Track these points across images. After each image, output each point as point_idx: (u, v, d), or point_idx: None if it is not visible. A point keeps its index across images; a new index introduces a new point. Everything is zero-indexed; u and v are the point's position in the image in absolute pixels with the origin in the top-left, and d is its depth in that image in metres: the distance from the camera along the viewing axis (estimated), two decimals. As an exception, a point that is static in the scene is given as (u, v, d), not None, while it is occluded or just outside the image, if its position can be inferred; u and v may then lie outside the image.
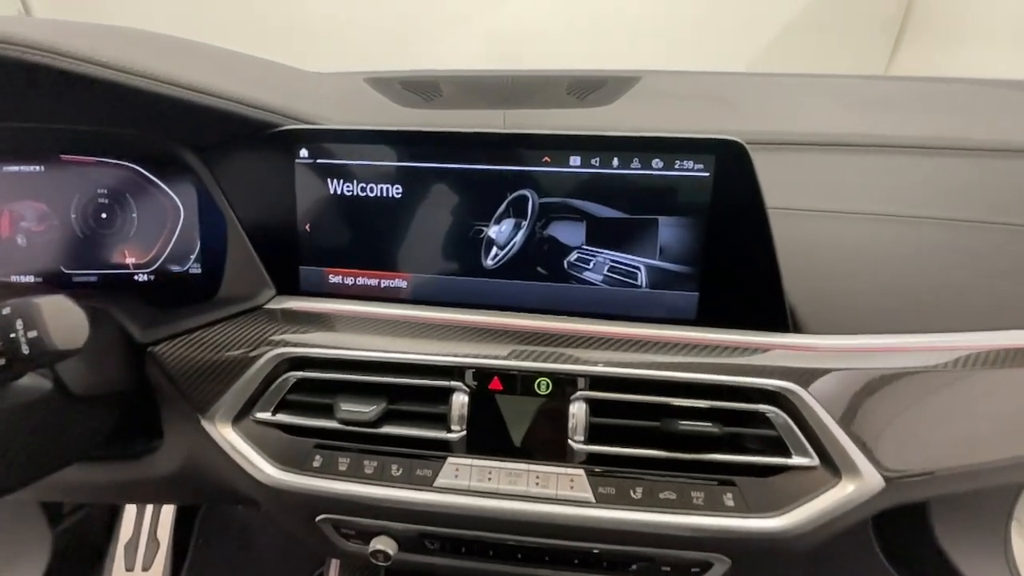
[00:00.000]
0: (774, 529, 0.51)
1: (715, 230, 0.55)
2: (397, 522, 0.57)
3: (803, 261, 0.57)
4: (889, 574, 1.39)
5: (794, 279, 0.56)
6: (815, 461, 0.52)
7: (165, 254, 0.68)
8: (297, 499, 0.57)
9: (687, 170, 0.55)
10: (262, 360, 0.58)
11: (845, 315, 0.56)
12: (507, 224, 0.59)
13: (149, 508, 1.43)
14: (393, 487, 0.55)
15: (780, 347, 0.55)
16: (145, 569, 1.38)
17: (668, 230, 0.56)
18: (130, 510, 1.43)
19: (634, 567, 0.56)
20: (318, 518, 0.59)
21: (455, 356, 0.56)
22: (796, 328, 0.56)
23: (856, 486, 0.51)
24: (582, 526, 0.53)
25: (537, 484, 0.54)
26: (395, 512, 0.55)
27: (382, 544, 0.58)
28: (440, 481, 0.55)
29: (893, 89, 0.87)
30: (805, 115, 0.75)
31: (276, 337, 0.59)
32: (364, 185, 0.60)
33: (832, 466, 0.52)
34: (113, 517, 1.42)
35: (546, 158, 0.57)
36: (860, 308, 0.56)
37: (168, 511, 1.43)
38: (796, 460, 0.53)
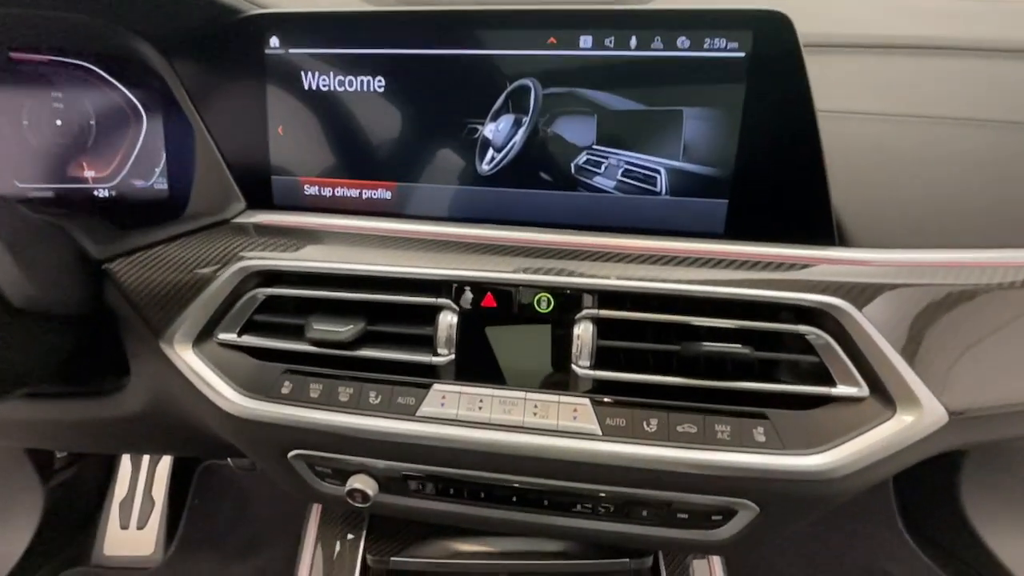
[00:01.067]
0: (813, 468, 0.43)
1: (751, 124, 0.47)
2: (376, 459, 0.50)
3: (852, 166, 0.49)
4: (910, 548, 1.32)
5: (842, 186, 0.47)
6: (864, 391, 0.44)
7: (127, 167, 0.61)
8: (266, 431, 0.51)
9: (718, 50, 0.46)
10: (226, 274, 0.51)
11: (899, 228, 0.47)
12: (505, 121, 0.51)
13: (144, 467, 1.40)
14: (370, 416, 0.48)
15: (825, 261, 0.46)
16: (140, 528, 1.35)
17: (694, 124, 0.48)
18: (124, 469, 1.40)
19: (644, 513, 0.49)
20: (290, 455, 0.53)
21: (443, 270, 0.48)
22: (843, 242, 0.48)
23: (914, 419, 0.43)
24: (586, 462, 0.45)
25: (535, 414, 0.47)
26: (373, 445, 0.49)
27: (360, 483, 0.51)
28: (424, 410, 0.48)
29: None
30: (857, 16, 0.66)
31: (243, 251, 0.52)
32: (342, 78, 0.53)
33: (885, 397, 0.44)
34: (107, 476, 1.39)
35: (551, 39, 0.48)
36: (916, 220, 0.48)
37: (163, 471, 1.40)
38: (841, 390, 0.44)
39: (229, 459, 1.29)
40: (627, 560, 0.58)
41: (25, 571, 1.22)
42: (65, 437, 0.83)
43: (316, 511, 0.63)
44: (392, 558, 0.58)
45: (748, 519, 0.48)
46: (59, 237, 0.55)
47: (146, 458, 1.41)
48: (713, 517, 0.48)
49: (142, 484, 1.39)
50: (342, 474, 0.53)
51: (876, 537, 1.31)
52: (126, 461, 1.40)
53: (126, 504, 1.36)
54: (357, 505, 0.52)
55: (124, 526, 1.35)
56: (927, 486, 1.31)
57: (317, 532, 0.61)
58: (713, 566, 0.58)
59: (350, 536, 0.61)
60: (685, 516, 0.49)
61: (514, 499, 0.51)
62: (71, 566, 1.28)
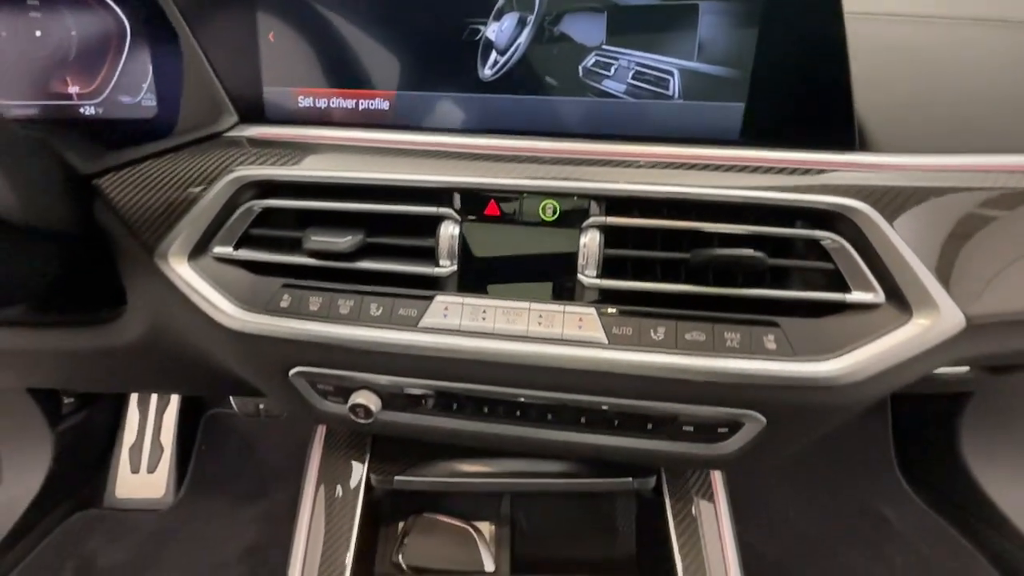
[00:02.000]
0: (824, 375, 0.42)
1: (771, 19, 0.44)
2: (378, 374, 0.50)
3: (874, 67, 0.46)
4: (906, 492, 1.34)
5: (863, 89, 0.45)
6: (880, 297, 0.43)
7: (113, 82, 0.59)
8: (266, 348, 0.50)
9: (739, -65, 0.43)
10: (219, 185, 0.49)
11: (922, 133, 0.45)
12: (509, 20, 0.48)
13: (151, 414, 1.42)
14: (372, 327, 0.47)
15: (845, 166, 0.44)
16: (150, 472, 1.38)
17: (711, 20, 0.45)
18: (132, 416, 1.42)
19: (650, 426, 0.49)
20: (292, 373, 0.52)
21: (444, 176, 0.46)
22: (863, 147, 0.45)
23: (931, 324, 0.41)
24: (591, 371, 0.44)
25: (539, 324, 0.45)
26: (375, 358, 0.48)
27: (363, 399, 0.51)
28: (426, 321, 0.46)
29: None
30: None
31: (236, 163, 0.50)
32: (335, -25, 0.49)
33: (901, 302, 0.43)
34: (115, 422, 1.41)
35: (558, -75, 0.45)
36: (940, 125, 0.45)
37: (170, 418, 1.42)
38: (856, 296, 0.43)
39: (232, 400, 1.30)
40: (630, 479, 0.58)
41: (38, 512, 1.25)
42: (64, 371, 0.83)
43: (319, 437, 0.63)
44: (396, 477, 0.59)
45: (754, 432, 0.48)
46: (44, 150, 0.53)
47: (153, 405, 1.42)
48: (719, 430, 0.48)
49: (150, 430, 1.41)
50: (344, 392, 0.52)
51: (873, 481, 1.33)
52: (133, 408, 1.42)
53: (135, 449, 1.39)
54: (360, 421, 0.52)
55: (135, 470, 1.38)
56: (925, 434, 1.32)
57: (321, 456, 0.62)
58: (716, 490, 0.58)
59: (353, 459, 0.61)
60: (691, 429, 0.48)
61: (517, 414, 0.51)
62: (84, 508, 1.31)
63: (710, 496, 0.58)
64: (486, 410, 0.51)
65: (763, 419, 0.46)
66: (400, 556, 0.62)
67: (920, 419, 1.33)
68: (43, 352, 0.71)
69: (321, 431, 0.63)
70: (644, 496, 0.62)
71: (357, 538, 0.57)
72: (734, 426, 0.48)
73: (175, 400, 1.43)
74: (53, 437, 1.25)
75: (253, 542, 1.23)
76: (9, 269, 0.51)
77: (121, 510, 1.31)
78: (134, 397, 1.43)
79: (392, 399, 0.52)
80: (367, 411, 0.51)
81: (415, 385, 0.50)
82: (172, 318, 0.58)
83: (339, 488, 0.59)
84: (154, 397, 1.44)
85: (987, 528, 1.21)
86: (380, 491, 0.60)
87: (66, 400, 1.29)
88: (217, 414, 1.48)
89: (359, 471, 0.60)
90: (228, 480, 1.37)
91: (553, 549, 0.71)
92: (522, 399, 0.49)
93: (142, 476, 1.37)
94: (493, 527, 0.69)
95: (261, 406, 1.40)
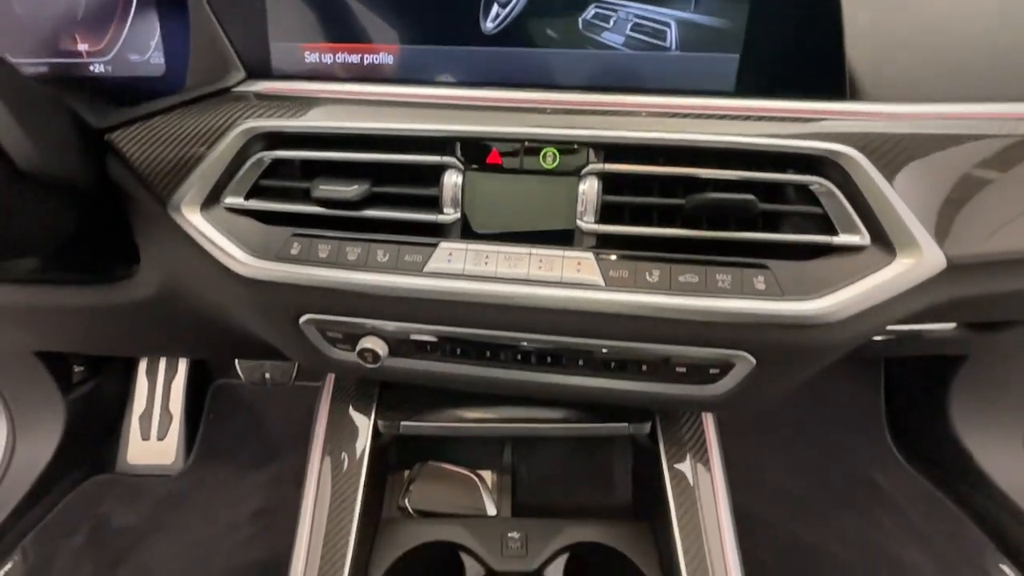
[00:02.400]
0: (811, 313, 0.44)
1: None
2: (385, 320, 0.52)
3: (864, 17, 0.47)
4: (896, 459, 1.37)
5: (854, 38, 0.46)
6: (865, 239, 0.45)
7: (121, 39, 0.60)
8: (277, 295, 0.52)
9: None
10: (230, 136, 0.51)
11: (910, 82, 0.46)
12: (510, -27, 0.49)
13: (160, 383, 1.45)
14: (379, 272, 0.49)
15: (835, 114, 0.46)
16: (160, 439, 1.41)
17: (707, -29, 0.46)
18: (141, 385, 1.45)
19: (644, 368, 0.51)
20: (302, 320, 0.55)
21: (448, 125, 0.48)
22: (854, 96, 0.47)
23: (913, 263, 0.44)
24: (589, 312, 0.47)
25: (539, 268, 0.47)
26: (382, 303, 0.50)
27: (370, 343, 0.53)
28: (431, 266, 0.49)
29: None
30: None
31: (246, 116, 0.52)
32: (339, -71, 0.50)
33: (885, 244, 0.45)
34: (125, 391, 1.45)
35: None
36: (929, 74, 0.46)
37: (179, 387, 1.45)
38: (843, 239, 0.45)
39: (238, 368, 1.33)
40: (626, 425, 0.61)
41: (53, 477, 1.29)
42: (77, 332, 0.85)
43: (328, 387, 0.66)
44: (402, 423, 0.61)
45: (744, 373, 0.50)
46: (59, 105, 0.55)
47: (161, 375, 1.45)
48: (711, 371, 0.50)
49: (159, 399, 1.44)
50: (352, 338, 0.54)
51: (865, 449, 1.36)
52: (142, 377, 1.45)
53: (145, 417, 1.42)
54: (368, 366, 0.54)
55: (145, 437, 1.41)
56: (916, 402, 1.35)
57: (330, 406, 0.64)
58: (709, 436, 0.61)
59: (361, 407, 0.63)
60: (683, 370, 0.50)
61: (518, 358, 0.53)
62: (97, 473, 1.35)
63: (703, 442, 0.61)
64: (488, 355, 0.53)
65: (753, 360, 0.49)
66: (407, 500, 0.65)
67: (911, 388, 1.36)
68: (57, 310, 0.73)
69: (330, 381, 0.66)
70: (640, 443, 0.64)
71: (365, 483, 0.60)
72: (725, 367, 0.50)
73: (182, 370, 1.46)
74: (65, 405, 1.28)
75: (262, 505, 1.27)
76: (28, 220, 0.53)
77: (133, 475, 1.35)
78: (142, 367, 1.46)
79: (399, 345, 0.54)
80: (375, 355, 0.53)
81: (420, 331, 0.53)
82: (185, 271, 0.60)
83: (348, 435, 0.62)
84: (162, 367, 1.47)
85: (973, 491, 1.25)
86: (387, 437, 0.62)
87: (76, 369, 1.32)
88: (224, 384, 1.51)
89: (367, 418, 0.63)
90: (236, 447, 1.40)
91: (552, 496, 0.74)
92: (524, 343, 0.52)
93: (152, 443, 1.41)
94: (495, 475, 0.72)
95: (267, 375, 1.43)
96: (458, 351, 0.54)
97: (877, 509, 1.26)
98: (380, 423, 0.62)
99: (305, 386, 1.44)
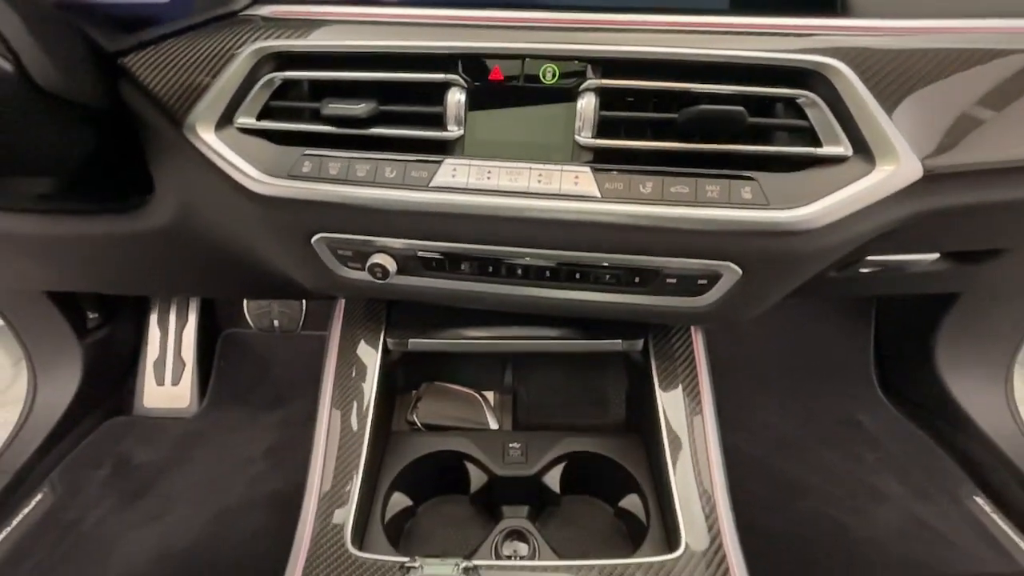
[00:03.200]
0: (793, 220, 0.47)
1: None
2: (393, 237, 0.55)
3: None
4: (882, 402, 1.43)
5: None
6: (848, 150, 0.47)
7: None
8: (290, 213, 0.55)
9: None
10: (241, 57, 0.52)
11: None
12: None
13: (171, 331, 1.49)
14: (387, 188, 0.52)
15: (825, 29, 0.48)
16: (174, 384, 1.47)
17: None
18: (154, 333, 1.50)
19: (637, 280, 0.54)
20: (314, 239, 0.58)
21: (451, 42, 0.50)
22: (844, 12, 0.49)
23: (892, 171, 0.46)
24: (586, 223, 0.50)
25: (539, 181, 0.50)
26: (390, 219, 0.53)
27: (380, 259, 0.56)
28: (437, 180, 0.51)
29: None
30: None
31: (254, 38, 0.53)
32: None
33: (866, 155, 0.47)
34: (137, 339, 1.49)
35: None
36: None
37: (189, 335, 1.49)
38: (827, 150, 0.48)
39: (247, 314, 1.37)
40: (619, 341, 0.65)
41: (74, 418, 1.34)
42: (88, 267, 0.87)
43: (339, 311, 0.69)
44: (410, 340, 0.65)
45: (730, 283, 0.53)
46: (72, 26, 0.56)
47: (172, 323, 1.50)
48: (699, 282, 0.54)
49: (171, 347, 1.49)
50: (362, 256, 0.58)
51: (851, 391, 1.42)
52: (154, 326, 1.49)
53: (159, 364, 1.47)
54: (378, 282, 0.57)
55: (159, 383, 1.47)
56: (905, 347, 1.39)
57: (341, 328, 0.68)
58: (698, 354, 0.65)
59: (371, 328, 0.67)
60: (673, 282, 0.54)
61: (519, 273, 0.56)
62: (115, 415, 1.41)
63: (691, 358, 0.65)
64: (490, 271, 0.57)
65: (739, 270, 0.52)
66: (415, 416, 0.70)
67: (900, 334, 1.40)
68: (70, 240, 0.76)
69: (340, 306, 0.69)
70: (633, 360, 0.68)
71: (376, 398, 0.64)
72: (712, 278, 0.53)
73: (192, 319, 1.50)
74: (82, 350, 1.33)
75: (274, 443, 1.33)
76: (44, 138, 0.55)
77: (150, 418, 1.41)
78: (154, 316, 1.51)
79: (406, 262, 0.57)
80: (384, 271, 0.56)
81: (427, 247, 0.56)
82: (199, 196, 0.62)
83: (359, 354, 0.66)
84: (172, 316, 1.51)
85: (954, 431, 1.30)
86: (396, 354, 0.66)
87: (90, 315, 1.36)
88: (233, 333, 1.56)
89: (376, 338, 0.66)
90: (247, 392, 1.46)
91: (550, 414, 0.79)
92: (525, 258, 0.55)
93: (167, 388, 1.46)
94: (496, 394, 0.77)
95: (275, 322, 1.47)
96: (462, 267, 0.57)
97: (860, 446, 1.32)
98: (389, 341, 0.66)
99: (312, 335, 1.49)
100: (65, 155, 0.58)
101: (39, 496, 1.22)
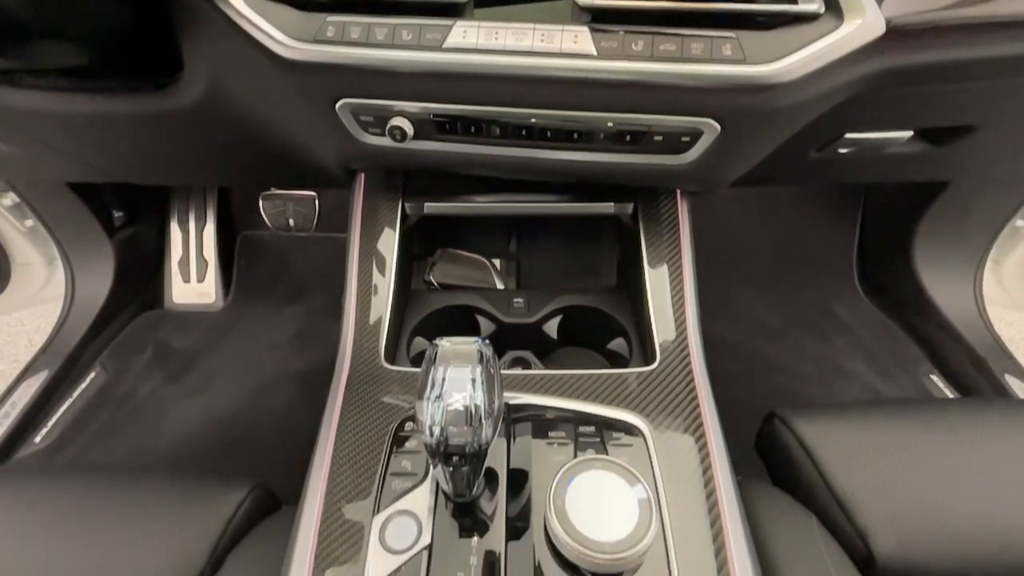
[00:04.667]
0: (768, 73, 0.53)
1: None
2: (409, 100, 0.61)
3: None
4: (859, 295, 1.54)
5: None
6: (820, 7, 0.52)
7: None
8: (316, 77, 0.61)
9: None
10: (264, -78, 0.56)
11: None
12: None
13: (192, 232, 1.58)
14: (404, 50, 0.57)
15: None
16: (200, 281, 1.58)
17: None
18: (176, 235, 1.58)
19: (628, 138, 0.61)
20: (338, 105, 0.64)
21: None
22: None
23: (858, 24, 0.52)
24: (584, 79, 0.56)
25: (542, 41, 0.56)
26: (407, 81, 0.59)
27: (398, 122, 0.63)
28: (449, 42, 0.57)
29: None
30: None
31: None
32: None
33: (836, 12, 0.52)
34: (161, 240, 1.58)
35: None
36: None
37: (210, 235, 1.58)
38: (801, 7, 0.53)
39: (264, 213, 1.44)
40: (611, 204, 0.73)
41: (113, 310, 1.46)
42: (112, 152, 0.91)
43: (360, 184, 0.77)
44: (426, 204, 0.74)
45: (711, 140, 0.60)
46: None
47: (192, 225, 1.58)
48: (682, 139, 0.61)
49: (193, 246, 1.58)
50: (382, 121, 0.64)
51: (830, 284, 1.52)
52: (175, 228, 1.58)
53: (183, 263, 1.57)
54: (397, 145, 0.64)
55: (186, 280, 1.57)
56: (885, 245, 1.48)
57: (363, 197, 0.76)
58: (681, 220, 0.73)
59: (389, 196, 0.75)
60: (660, 139, 0.61)
61: (523, 133, 0.63)
62: (148, 310, 1.53)
63: (676, 222, 0.73)
64: (497, 132, 0.63)
65: (717, 126, 0.59)
66: (431, 276, 0.79)
67: (882, 231, 1.48)
68: (99, 121, 0.80)
69: (361, 181, 0.77)
70: (624, 225, 0.77)
71: (398, 259, 0.73)
72: (695, 135, 0.60)
73: (211, 220, 1.58)
74: (112, 247, 1.42)
75: (298, 331, 1.46)
76: (92, 9, 0.59)
77: (180, 312, 1.53)
78: (174, 218, 1.58)
79: (422, 125, 0.64)
80: (402, 133, 0.63)
81: (441, 110, 0.62)
82: (228, 69, 0.67)
83: (380, 219, 0.74)
84: (192, 218, 1.59)
85: (921, 319, 1.42)
86: (413, 218, 0.75)
87: (116, 214, 1.44)
88: (250, 235, 1.65)
89: (395, 205, 0.74)
90: (268, 288, 1.57)
91: (550, 279, 0.89)
92: (533, 119, 0.61)
93: (193, 285, 1.57)
94: (502, 261, 0.86)
95: (291, 220, 1.55)
96: (471, 129, 0.64)
97: (833, 333, 1.44)
98: (407, 206, 0.74)
99: (325, 236, 1.57)
100: (98, 22, 0.62)
101: (92, 374, 1.37)
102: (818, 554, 0.55)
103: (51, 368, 1.31)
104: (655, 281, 0.69)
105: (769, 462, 0.73)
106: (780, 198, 1.60)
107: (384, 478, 0.50)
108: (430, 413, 0.41)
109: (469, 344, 0.44)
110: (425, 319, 0.76)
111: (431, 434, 0.40)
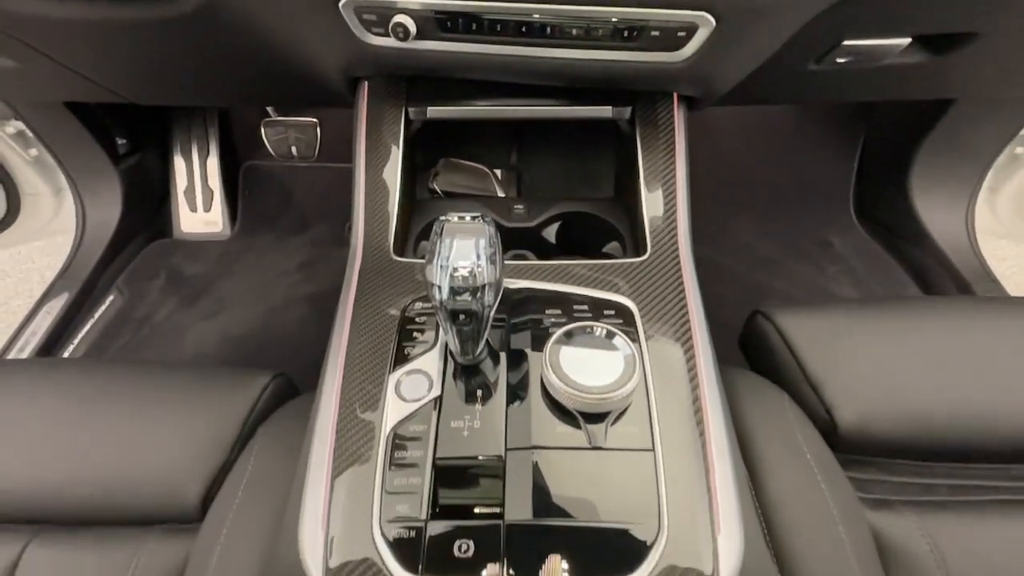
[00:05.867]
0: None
1: None
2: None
3: None
4: (854, 226, 1.57)
5: None
6: None
7: None
8: (318, -28, 0.62)
9: None
10: None
11: None
12: None
13: (196, 161, 1.59)
14: (406, -60, 0.58)
15: None
16: (206, 211, 1.60)
17: None
18: (180, 165, 1.59)
19: (626, 34, 0.63)
20: (341, 3, 0.65)
21: None
22: None
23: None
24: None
25: (542, -73, 0.56)
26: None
27: (401, 19, 0.64)
28: (450, -71, 0.57)
29: None
30: None
31: None
32: None
33: None
34: (166, 169, 1.60)
35: None
36: None
37: (213, 165, 1.59)
38: None
39: (266, 141, 1.45)
40: (609, 108, 0.75)
41: (124, 237, 1.50)
42: (110, 66, 0.91)
43: (364, 91, 0.78)
44: (428, 108, 0.76)
45: (706, 35, 0.62)
46: None
47: (195, 155, 1.59)
48: (679, 34, 0.62)
49: (198, 176, 1.60)
50: (385, 19, 0.65)
51: (827, 214, 1.55)
52: (179, 158, 1.59)
53: (189, 192, 1.60)
54: (400, 44, 0.66)
55: (192, 209, 1.60)
56: (883, 175, 1.49)
57: (367, 104, 0.77)
58: (677, 127, 0.75)
59: (393, 102, 0.77)
60: (657, 34, 0.62)
61: (523, 30, 0.64)
62: (158, 238, 1.57)
63: (671, 129, 0.75)
64: (499, 29, 0.65)
65: (713, 20, 0.60)
66: (435, 184, 0.82)
67: (882, 159, 1.49)
68: (97, 31, 0.79)
69: (364, 88, 0.78)
70: (621, 131, 0.79)
71: (403, 166, 0.76)
72: (690, 30, 0.62)
73: (214, 149, 1.59)
74: (119, 175, 1.44)
75: (305, 259, 1.50)
76: None
77: (190, 240, 1.57)
78: (177, 147, 1.59)
79: (424, 23, 0.65)
80: (405, 30, 0.64)
81: (442, 6, 0.63)
82: None
83: (385, 125, 0.76)
84: (194, 148, 1.60)
85: (912, 246, 1.46)
86: (417, 123, 0.77)
87: (119, 141, 1.46)
88: (253, 165, 1.66)
89: (399, 110, 0.76)
90: (274, 217, 1.60)
91: (549, 189, 0.93)
92: (535, 15, 0.62)
93: (200, 214, 1.60)
94: (503, 172, 0.89)
95: (293, 148, 1.56)
96: (473, 27, 0.65)
97: (826, 261, 1.48)
98: (411, 111, 0.76)
99: (327, 167, 1.59)
100: None
101: (110, 298, 1.42)
102: (787, 423, 0.62)
103: (71, 291, 1.37)
104: (650, 182, 0.72)
105: (750, 355, 0.78)
106: (781, 128, 1.60)
107: (398, 345, 0.56)
108: (438, 275, 0.45)
109: (474, 219, 0.47)
110: (430, 224, 0.79)
111: (439, 293, 0.45)
